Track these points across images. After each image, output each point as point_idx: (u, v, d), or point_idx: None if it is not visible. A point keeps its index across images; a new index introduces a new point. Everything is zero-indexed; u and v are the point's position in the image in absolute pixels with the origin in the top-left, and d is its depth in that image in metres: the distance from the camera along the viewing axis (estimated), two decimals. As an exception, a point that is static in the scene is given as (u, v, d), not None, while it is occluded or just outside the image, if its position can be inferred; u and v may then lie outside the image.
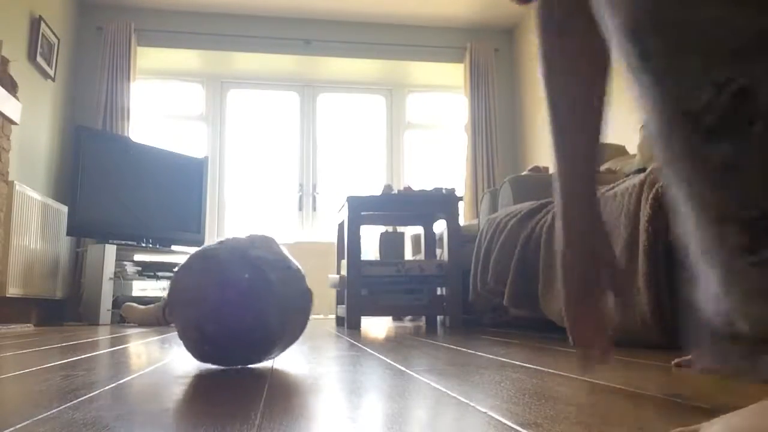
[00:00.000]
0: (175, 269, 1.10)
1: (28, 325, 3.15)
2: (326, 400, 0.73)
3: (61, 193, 4.35)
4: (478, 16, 5.10)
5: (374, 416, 0.63)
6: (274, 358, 1.17)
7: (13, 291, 3.33)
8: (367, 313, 2.63)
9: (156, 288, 3.94)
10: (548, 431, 0.53)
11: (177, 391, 0.82)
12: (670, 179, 0.40)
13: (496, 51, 5.29)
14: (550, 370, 1.00)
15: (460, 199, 2.84)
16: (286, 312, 1.07)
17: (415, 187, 2.89)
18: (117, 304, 3.70)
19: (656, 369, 1.00)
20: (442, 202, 2.78)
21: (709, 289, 0.39)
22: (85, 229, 3.70)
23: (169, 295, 1.09)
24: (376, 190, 2.89)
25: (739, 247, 0.35)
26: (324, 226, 5.10)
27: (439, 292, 2.82)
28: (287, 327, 1.08)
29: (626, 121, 3.64)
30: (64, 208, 3.99)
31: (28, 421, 0.60)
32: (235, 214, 5.05)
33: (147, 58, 4.87)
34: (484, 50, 5.14)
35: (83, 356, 1.35)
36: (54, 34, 4.15)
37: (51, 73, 4.12)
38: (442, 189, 2.83)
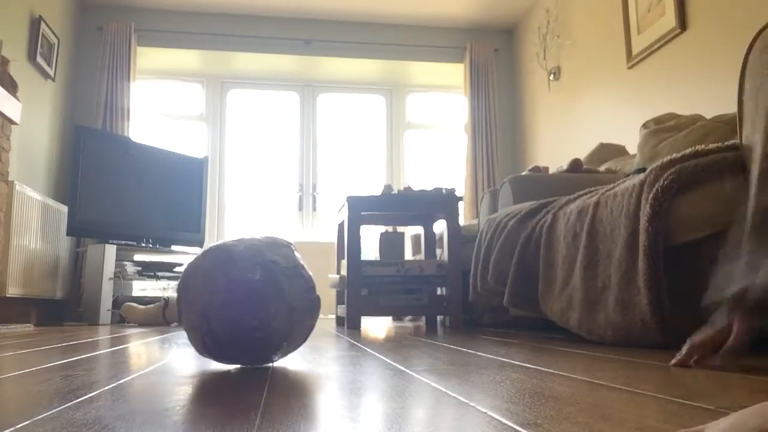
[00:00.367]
0: (176, 268, 1.11)
1: (28, 325, 3.15)
2: (326, 400, 0.73)
3: (61, 193, 4.35)
4: (478, 16, 5.10)
5: (374, 416, 0.63)
6: (273, 363, 1.17)
7: (13, 291, 3.33)
8: (367, 313, 2.63)
9: (156, 288, 3.94)
10: (548, 431, 0.53)
11: (177, 391, 0.82)
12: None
13: (496, 51, 5.29)
14: (550, 370, 1.00)
15: (460, 199, 2.84)
16: (291, 318, 1.07)
17: (415, 187, 2.89)
18: (117, 304, 3.70)
19: (656, 369, 1.00)
20: (442, 202, 2.78)
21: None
22: (85, 229, 3.70)
23: (180, 284, 1.09)
24: (376, 190, 2.89)
25: None
26: (324, 226, 5.10)
27: (439, 292, 2.81)
28: (291, 334, 1.08)
29: (626, 121, 3.64)
30: (64, 208, 3.99)
31: (28, 421, 0.60)
32: (235, 214, 5.05)
33: (147, 58, 4.87)
34: (484, 50, 5.14)
35: (83, 356, 1.35)
36: (54, 34, 4.15)
37: (51, 73, 4.12)
38: (442, 189, 2.83)
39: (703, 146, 1.39)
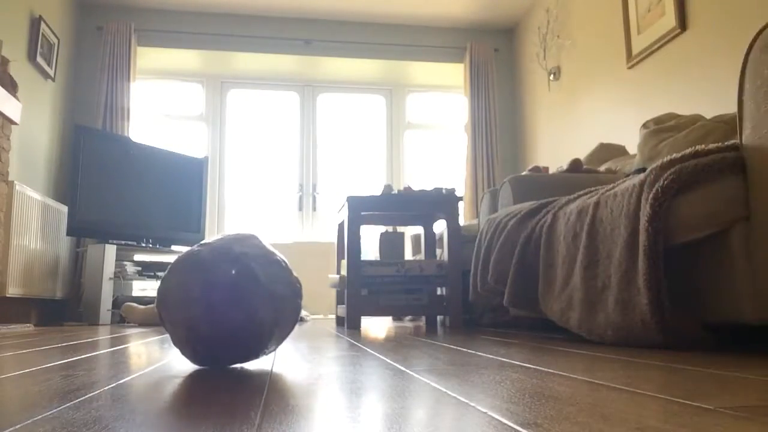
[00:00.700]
0: (162, 277, 1.10)
1: (28, 325, 3.15)
2: (326, 400, 0.73)
3: (61, 193, 4.36)
4: (478, 16, 5.10)
5: (374, 416, 0.63)
6: (271, 352, 1.17)
7: (13, 291, 3.33)
8: (367, 313, 2.63)
9: (156, 288, 3.94)
10: (548, 431, 0.53)
11: (177, 391, 0.82)
12: None
13: (496, 51, 5.29)
14: (550, 370, 1.00)
15: (460, 199, 2.84)
16: (275, 304, 1.06)
17: (415, 187, 2.89)
18: (117, 304, 3.70)
19: (656, 369, 1.00)
20: (442, 202, 2.78)
21: None
22: (85, 229, 3.70)
23: (157, 302, 1.09)
24: (376, 190, 2.89)
25: None
26: (324, 226, 5.10)
27: (439, 292, 2.81)
28: (279, 319, 1.08)
29: (626, 121, 3.64)
30: (64, 208, 3.99)
31: (28, 421, 0.60)
32: (235, 214, 5.05)
33: (147, 58, 4.87)
34: (484, 50, 5.14)
35: (83, 356, 1.35)
36: (54, 34, 4.15)
37: (51, 73, 4.12)
38: (442, 189, 2.83)
39: (703, 146, 1.39)
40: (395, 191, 2.90)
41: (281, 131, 5.24)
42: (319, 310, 4.61)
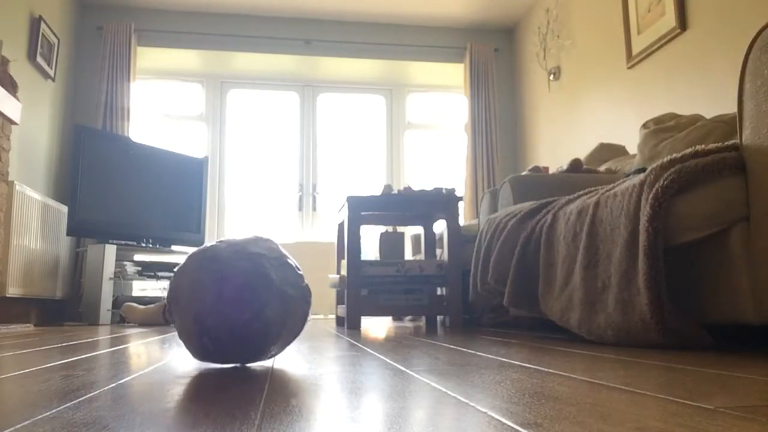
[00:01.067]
0: (176, 269, 1.11)
1: (28, 325, 3.15)
2: (326, 400, 0.73)
3: (61, 193, 4.36)
4: (478, 16, 5.10)
5: (374, 416, 0.63)
6: (274, 355, 1.17)
7: (13, 291, 3.33)
8: (367, 313, 2.63)
9: (156, 288, 3.94)
10: (548, 431, 0.53)
11: (177, 391, 0.82)
12: None
13: (496, 51, 5.29)
14: (550, 370, 1.00)
15: (460, 199, 2.84)
16: (285, 304, 1.07)
17: (415, 187, 2.89)
18: (117, 304, 3.70)
19: (656, 369, 1.00)
20: (442, 202, 2.78)
21: None
22: (85, 229, 3.70)
23: (168, 294, 1.09)
24: (376, 190, 2.89)
25: None
26: (324, 226, 5.10)
27: (439, 292, 2.81)
28: (287, 321, 1.08)
29: (626, 121, 3.64)
30: (64, 208, 3.99)
31: (28, 421, 0.60)
32: (235, 214, 5.05)
33: (147, 58, 4.87)
34: (484, 50, 5.14)
35: (83, 356, 1.35)
36: (54, 34, 4.15)
37: (51, 73, 4.12)
38: (442, 189, 2.83)
39: (703, 146, 1.39)
40: (395, 191, 2.90)
41: (281, 131, 5.24)
42: (319, 310, 4.61)
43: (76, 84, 4.64)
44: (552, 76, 4.54)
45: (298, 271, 1.14)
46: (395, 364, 1.13)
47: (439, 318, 2.98)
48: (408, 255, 4.34)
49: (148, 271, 3.98)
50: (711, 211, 1.31)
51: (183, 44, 4.82)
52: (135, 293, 3.81)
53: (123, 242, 3.87)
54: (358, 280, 2.63)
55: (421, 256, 3.59)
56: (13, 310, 3.44)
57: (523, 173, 2.72)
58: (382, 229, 4.65)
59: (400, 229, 4.72)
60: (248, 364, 1.16)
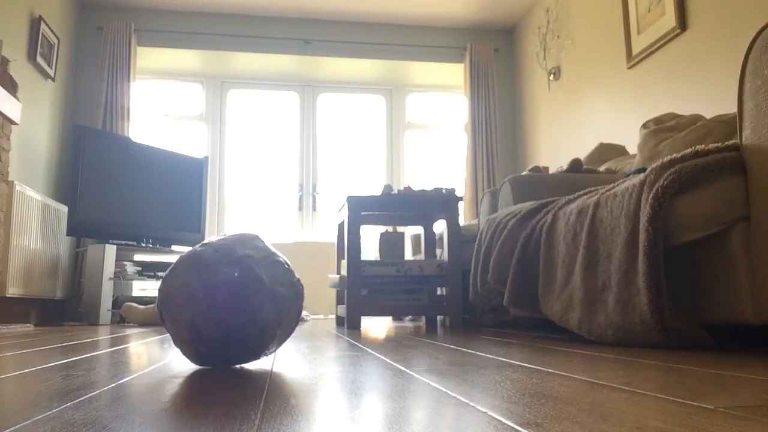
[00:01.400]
0: (164, 275, 1.10)
1: (28, 325, 3.15)
2: (326, 400, 0.73)
3: (61, 193, 4.36)
4: (477, 16, 5.10)
5: (374, 416, 0.63)
6: (272, 353, 1.17)
7: (13, 291, 3.33)
8: (367, 313, 2.63)
9: (156, 288, 3.94)
10: (548, 431, 0.53)
11: (177, 391, 0.82)
12: None
13: (496, 51, 5.29)
14: (550, 370, 1.00)
15: (460, 199, 2.84)
16: (277, 304, 1.07)
17: (415, 187, 2.89)
18: (117, 304, 3.70)
19: (656, 369, 1.00)
20: (442, 202, 2.78)
21: None
22: (85, 229, 3.70)
23: (158, 300, 1.09)
24: (376, 190, 2.89)
25: None
26: (324, 226, 5.10)
27: (439, 292, 2.81)
28: (281, 320, 1.08)
29: (626, 121, 3.64)
30: (64, 208, 3.99)
31: (28, 421, 0.60)
32: (235, 214, 5.05)
33: (147, 58, 4.87)
34: (484, 50, 5.14)
35: (83, 356, 1.35)
36: (54, 34, 4.15)
37: (51, 73, 4.12)
38: (442, 189, 2.83)
39: (703, 146, 1.39)
40: (395, 191, 2.90)
41: (281, 131, 5.24)
42: (319, 310, 4.61)
43: (76, 84, 4.64)
44: (552, 76, 4.54)
45: (288, 267, 1.13)
46: (395, 364, 1.13)
47: (439, 318, 2.98)
48: (408, 255, 4.34)
49: (148, 271, 3.98)
50: (711, 211, 1.31)
51: (183, 44, 4.81)
52: (135, 293, 3.81)
53: (123, 242, 3.87)
54: (358, 280, 2.63)
55: (421, 256, 3.59)
56: (13, 310, 3.44)
57: (523, 173, 2.72)
58: (382, 229, 4.65)
59: (400, 229, 4.72)
60: (246, 365, 1.16)
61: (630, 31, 3.51)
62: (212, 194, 4.99)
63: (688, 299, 1.44)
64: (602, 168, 3.01)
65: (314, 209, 5.12)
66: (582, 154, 4.14)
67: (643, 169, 2.09)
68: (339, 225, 3.23)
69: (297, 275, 1.15)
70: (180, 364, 1.17)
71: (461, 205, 4.95)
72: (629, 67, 3.55)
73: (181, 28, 4.83)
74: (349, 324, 2.61)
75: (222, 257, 1.06)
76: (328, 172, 5.22)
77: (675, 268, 1.47)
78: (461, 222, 4.06)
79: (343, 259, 2.92)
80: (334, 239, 3.83)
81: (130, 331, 2.60)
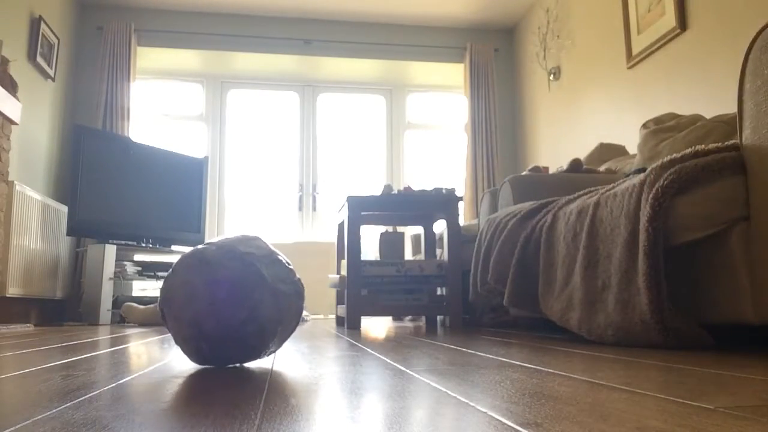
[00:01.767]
0: (166, 274, 1.11)
1: (28, 325, 3.15)
2: (326, 400, 0.73)
3: (61, 193, 4.35)
4: (478, 16, 5.10)
5: (374, 416, 0.63)
6: (272, 352, 1.17)
7: (13, 291, 3.33)
8: (367, 313, 2.63)
9: (156, 288, 3.94)
10: (548, 431, 0.53)
11: (177, 391, 0.82)
12: None
13: (496, 51, 5.29)
14: (550, 370, 1.00)
15: (460, 199, 2.84)
16: (278, 303, 1.07)
17: (415, 187, 2.89)
18: (117, 304, 3.70)
19: (656, 369, 1.00)
20: (442, 202, 2.78)
21: None
22: (85, 229, 3.70)
23: (160, 299, 1.09)
24: (376, 190, 2.89)
25: None
26: (324, 226, 5.10)
27: (439, 292, 2.81)
28: (282, 318, 1.08)
29: (626, 121, 3.64)
30: (64, 208, 3.99)
31: (28, 421, 0.60)
32: (235, 214, 5.05)
33: (147, 58, 4.87)
34: (484, 50, 5.14)
35: (83, 356, 1.35)
36: (54, 34, 4.15)
37: (51, 73, 4.12)
38: (442, 189, 2.83)
39: (703, 146, 1.39)
40: (395, 191, 2.90)
41: (281, 131, 5.24)
42: (319, 310, 4.61)
43: (76, 84, 4.64)
44: (552, 76, 4.54)
45: (289, 266, 1.14)
46: (395, 364, 1.13)
47: (439, 318, 2.98)
48: (408, 255, 4.34)
49: (148, 271, 3.98)
50: (711, 211, 1.31)
51: (183, 44, 4.81)
52: (135, 293, 3.81)
53: (123, 242, 3.87)
54: (358, 280, 2.63)
55: (421, 256, 3.59)
56: (13, 310, 3.44)
57: (523, 173, 2.72)
58: (382, 229, 4.65)
59: (400, 229, 4.71)
60: (247, 364, 1.16)
61: (630, 31, 3.51)
62: (212, 194, 4.99)
63: (688, 299, 1.44)
64: (602, 168, 3.01)
65: (314, 209, 5.12)
66: (582, 154, 4.14)
67: (643, 169, 2.09)
68: (339, 225, 3.23)
69: (298, 275, 1.15)
70: (180, 364, 1.17)
71: (461, 205, 4.95)
72: (629, 67, 3.55)
73: (181, 28, 4.83)
74: (349, 324, 2.61)
75: (224, 254, 1.06)
76: (328, 172, 5.22)
77: (675, 268, 1.47)
78: (461, 222, 4.06)
79: (343, 259, 2.92)
80: (334, 239, 3.83)
81: (130, 331, 2.60)
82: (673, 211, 1.37)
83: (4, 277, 3.25)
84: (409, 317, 3.85)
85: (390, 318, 4.00)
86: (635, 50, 3.45)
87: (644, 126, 2.41)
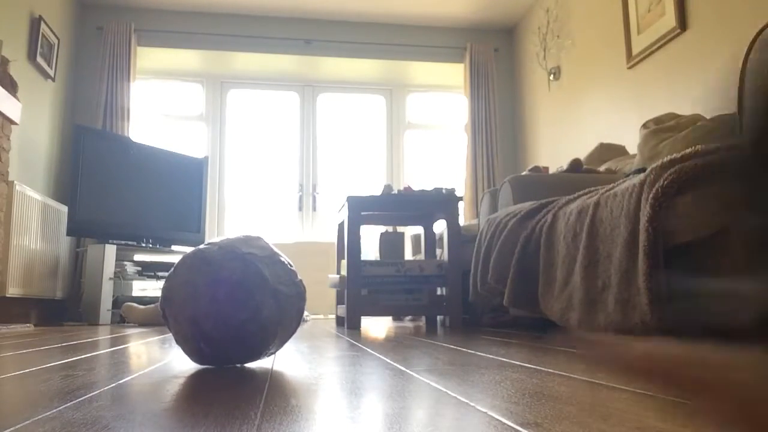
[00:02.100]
0: (168, 273, 1.11)
1: (28, 325, 3.15)
2: (326, 400, 0.73)
3: (61, 193, 4.35)
4: (477, 16, 5.10)
5: (374, 416, 0.63)
6: (274, 352, 1.17)
7: (13, 291, 3.33)
8: (367, 313, 2.63)
9: (156, 288, 3.94)
10: (548, 431, 0.53)
11: (177, 391, 0.82)
12: None
13: (496, 51, 5.29)
14: (550, 370, 1.00)
15: (460, 199, 2.84)
16: (280, 303, 1.07)
17: (415, 187, 2.89)
18: (117, 304, 3.70)
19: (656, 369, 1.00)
20: (442, 202, 2.78)
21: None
22: (85, 229, 3.70)
23: (162, 298, 1.09)
24: (376, 190, 2.89)
25: None
26: (324, 226, 5.10)
27: (439, 292, 2.81)
28: (283, 319, 1.08)
29: (626, 121, 3.64)
30: (64, 208, 3.99)
31: (28, 421, 0.60)
32: (235, 214, 5.05)
33: (147, 58, 4.87)
34: (484, 50, 5.14)
35: (83, 356, 1.35)
36: (54, 34, 4.15)
37: (51, 73, 4.12)
38: (442, 189, 2.83)
39: (703, 146, 1.39)
40: (395, 191, 2.90)
41: (281, 131, 5.24)
42: (319, 310, 4.61)
43: (76, 84, 4.64)
44: (552, 76, 4.54)
45: (291, 267, 1.14)
46: (395, 364, 1.13)
47: (439, 318, 2.98)
48: (408, 255, 4.34)
49: (148, 271, 3.98)
50: (711, 211, 1.31)
51: (183, 44, 4.81)
52: (135, 293, 3.81)
53: (123, 242, 3.87)
54: (358, 280, 2.63)
55: (421, 256, 3.59)
56: (13, 310, 3.44)
57: (523, 173, 2.72)
58: (382, 229, 4.65)
59: (400, 229, 4.71)
60: (247, 365, 1.16)
61: (630, 31, 3.51)
62: (212, 194, 4.99)
63: (688, 299, 1.44)
64: (602, 168, 3.01)
65: (314, 209, 5.12)
66: (582, 154, 4.14)
67: (643, 169, 2.09)
68: (339, 225, 3.23)
69: (300, 277, 1.15)
70: (180, 364, 1.17)
71: (461, 205, 4.95)
72: (629, 67, 3.55)
73: (181, 28, 4.83)
74: (349, 324, 2.61)
75: (226, 254, 1.07)
76: (328, 172, 5.21)
77: (675, 268, 1.47)
78: (461, 222, 4.05)
79: (343, 259, 2.92)
80: (334, 239, 3.83)
81: (130, 331, 2.60)
82: (673, 211, 1.37)
83: (4, 277, 3.25)
84: (409, 317, 3.85)
85: (390, 318, 4.00)
86: (635, 50, 3.45)
87: (644, 126, 2.41)
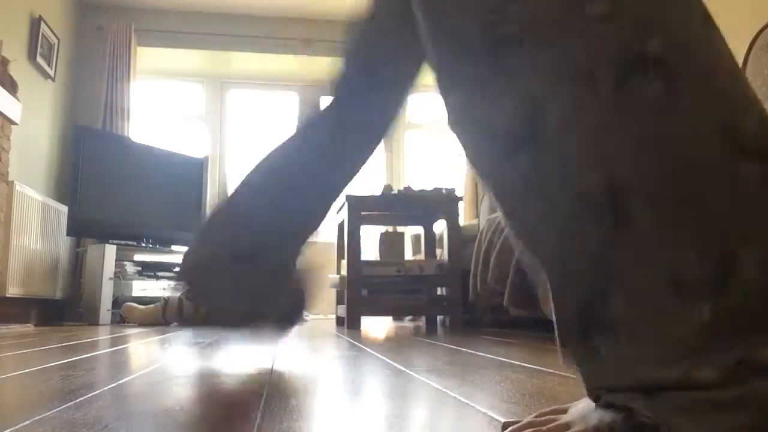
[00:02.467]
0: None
1: (28, 325, 3.15)
2: (326, 400, 0.73)
3: (61, 193, 4.35)
4: (478, 16, 5.09)
5: (374, 416, 0.63)
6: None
7: (13, 291, 3.33)
8: (367, 313, 2.63)
9: (156, 288, 3.93)
10: (548, 431, 0.53)
11: (177, 391, 0.82)
12: None
13: (496, 51, 5.29)
14: (550, 370, 1.00)
15: (460, 199, 2.84)
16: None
17: (415, 187, 2.89)
18: (117, 304, 3.70)
19: (656, 369, 1.00)
20: (442, 202, 2.78)
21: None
22: (85, 229, 3.70)
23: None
24: (376, 190, 2.89)
25: None
26: (323, 226, 5.10)
27: (439, 292, 2.81)
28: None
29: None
30: (64, 208, 3.99)
31: (28, 421, 0.60)
32: (235, 214, 5.05)
33: (147, 58, 4.87)
34: (484, 50, 5.13)
35: (83, 356, 1.35)
36: (54, 34, 4.15)
37: (51, 73, 4.12)
38: (442, 189, 2.83)
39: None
40: (395, 191, 2.90)
41: (281, 131, 5.23)
42: (319, 310, 4.61)
43: (76, 84, 4.64)
44: (552, 76, 4.54)
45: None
46: (395, 364, 1.13)
47: (439, 318, 2.99)
48: (408, 255, 4.34)
49: (148, 271, 3.98)
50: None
51: (183, 44, 4.81)
52: (135, 293, 3.81)
53: (123, 242, 3.87)
54: (358, 280, 2.63)
55: (421, 256, 3.59)
56: (13, 310, 3.44)
57: (523, 173, 2.71)
58: (382, 229, 4.65)
59: (400, 229, 4.71)
60: (246, 365, 1.15)
61: (630, 31, 3.51)
62: (212, 194, 4.99)
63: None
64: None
65: (314, 209, 5.11)
66: (582, 154, 4.13)
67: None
68: (339, 225, 3.23)
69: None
70: (180, 365, 1.17)
71: (461, 205, 4.94)
72: (629, 67, 3.55)
73: (181, 28, 4.83)
74: (349, 324, 2.61)
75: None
76: (328, 172, 5.21)
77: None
78: (461, 222, 4.05)
79: (343, 259, 2.92)
80: (334, 239, 3.83)
81: (130, 331, 2.60)
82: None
83: (4, 277, 3.25)
84: (409, 317, 3.85)
85: (390, 318, 4.00)
86: (635, 50, 3.45)
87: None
